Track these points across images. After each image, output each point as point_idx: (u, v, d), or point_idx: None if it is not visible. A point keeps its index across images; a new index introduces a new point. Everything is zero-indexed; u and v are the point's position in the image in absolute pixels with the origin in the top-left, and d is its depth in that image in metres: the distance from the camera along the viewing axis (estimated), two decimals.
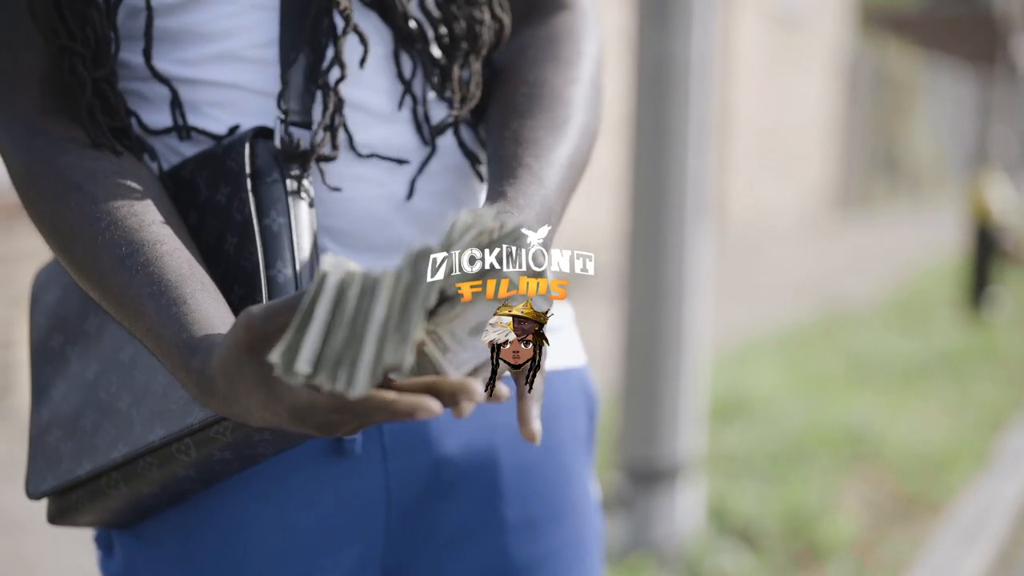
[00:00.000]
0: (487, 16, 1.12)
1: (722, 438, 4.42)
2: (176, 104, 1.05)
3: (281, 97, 1.04)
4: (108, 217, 0.97)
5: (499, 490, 1.17)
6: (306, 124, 1.04)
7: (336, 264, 0.80)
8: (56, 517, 1.10)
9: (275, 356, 0.80)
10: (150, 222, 0.98)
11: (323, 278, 0.79)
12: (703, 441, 3.76)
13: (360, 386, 0.79)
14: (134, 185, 1.00)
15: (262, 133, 1.04)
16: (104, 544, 1.15)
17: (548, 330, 0.89)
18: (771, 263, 10.60)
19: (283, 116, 1.03)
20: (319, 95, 1.06)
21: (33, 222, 1.03)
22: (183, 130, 1.06)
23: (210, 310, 0.93)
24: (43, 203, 1.00)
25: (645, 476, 3.39)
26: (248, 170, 1.02)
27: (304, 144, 1.03)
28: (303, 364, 0.79)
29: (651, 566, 3.34)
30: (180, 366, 0.91)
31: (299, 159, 1.03)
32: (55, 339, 1.11)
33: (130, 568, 1.11)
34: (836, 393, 5.30)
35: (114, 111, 1.04)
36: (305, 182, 1.04)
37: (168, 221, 0.99)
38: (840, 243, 12.41)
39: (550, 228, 1.00)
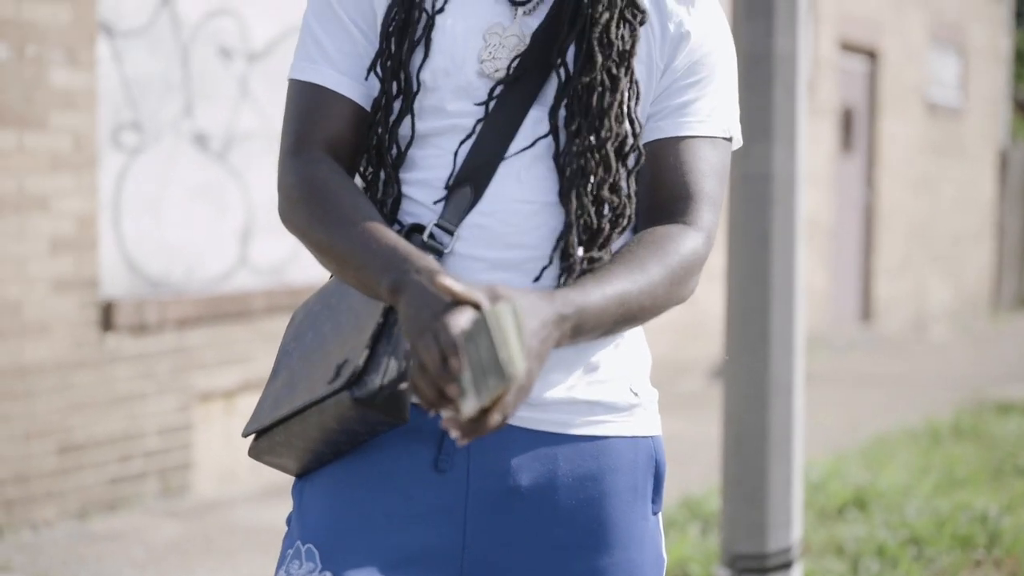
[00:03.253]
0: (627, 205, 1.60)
1: (845, 530, 4.52)
2: (395, 204, 1.61)
3: (441, 215, 1.57)
4: (346, 206, 1.54)
5: (555, 515, 1.60)
6: (450, 231, 1.57)
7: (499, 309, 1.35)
8: (255, 453, 1.67)
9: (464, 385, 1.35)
10: (367, 212, 1.54)
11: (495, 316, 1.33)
12: (806, 535, 3.87)
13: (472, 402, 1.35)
14: (362, 197, 1.58)
15: (418, 228, 1.57)
16: (295, 492, 1.66)
17: (626, 407, 1.63)
18: (919, 359, 10.54)
19: (436, 223, 1.56)
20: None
21: (299, 214, 1.59)
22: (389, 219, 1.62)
23: (400, 248, 1.49)
24: (309, 195, 1.57)
25: (750, 570, 3.53)
26: None
27: (443, 245, 1.56)
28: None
29: None
30: (380, 281, 1.47)
31: (434, 251, 1.55)
32: (290, 344, 1.67)
33: (301, 502, 1.63)
34: (971, 489, 5.33)
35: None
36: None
37: (373, 214, 1.55)
38: (992, 342, 12.21)
39: (563, 320, 1.46)
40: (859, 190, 11.31)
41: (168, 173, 5.19)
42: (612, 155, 1.58)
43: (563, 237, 1.57)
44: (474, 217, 1.57)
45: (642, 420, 1.67)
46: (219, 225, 5.43)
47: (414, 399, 1.51)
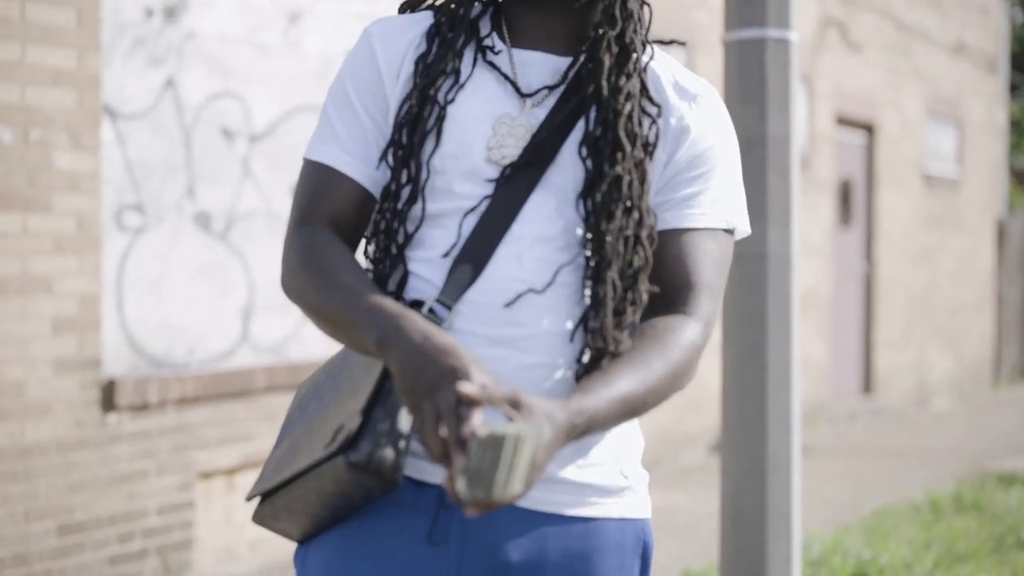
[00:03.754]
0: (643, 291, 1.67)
1: None
2: (402, 281, 1.68)
3: (441, 291, 1.63)
4: (340, 271, 1.62)
5: None
6: (448, 306, 1.62)
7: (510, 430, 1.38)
8: (259, 518, 1.72)
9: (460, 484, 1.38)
10: (360, 277, 1.62)
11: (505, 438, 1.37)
12: None
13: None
14: (356, 263, 1.65)
15: (418, 303, 1.63)
16: (298, 560, 1.71)
17: (616, 490, 1.68)
18: (921, 431, 10.52)
19: (436, 299, 1.62)
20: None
21: (296, 280, 1.66)
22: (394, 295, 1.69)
23: (388, 305, 1.55)
24: (303, 253, 1.66)
25: None
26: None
27: (441, 320, 1.62)
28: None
29: None
30: (368, 337, 1.53)
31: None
32: (294, 413, 1.75)
33: (304, 571, 1.69)
34: (973, 564, 5.32)
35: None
36: None
37: (366, 279, 1.63)
38: (993, 413, 12.20)
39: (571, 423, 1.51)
40: (858, 262, 11.36)
41: (170, 253, 5.24)
42: (645, 242, 1.66)
43: (586, 319, 1.64)
44: (472, 294, 1.63)
45: (631, 502, 1.72)
46: (221, 304, 5.47)
47: (422, 457, 1.61)
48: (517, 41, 1.71)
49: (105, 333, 4.94)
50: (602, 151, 1.65)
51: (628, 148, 1.65)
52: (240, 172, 5.54)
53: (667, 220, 1.70)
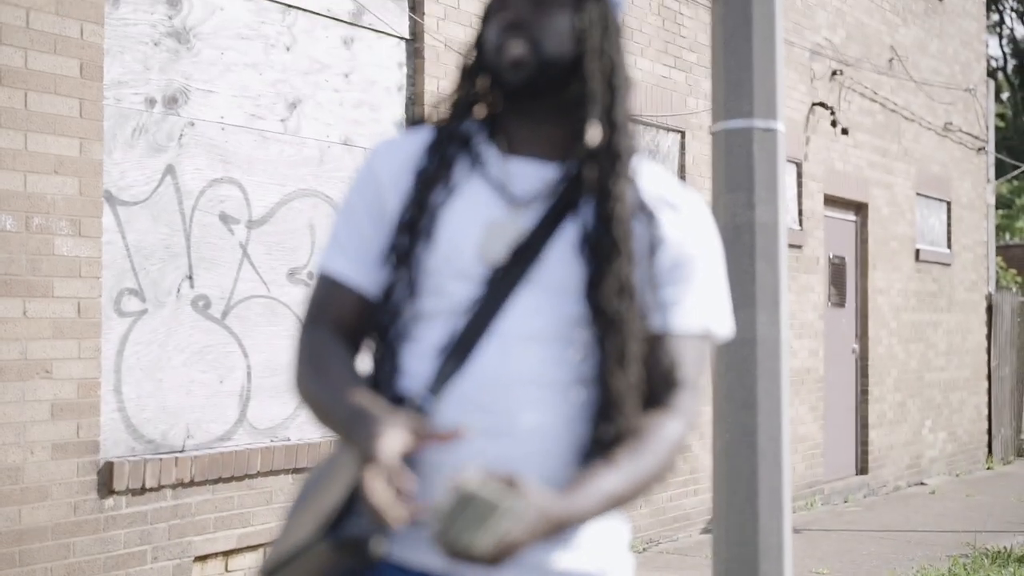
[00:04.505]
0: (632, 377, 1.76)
1: None
2: (392, 369, 1.79)
3: (429, 384, 1.74)
4: (331, 368, 1.77)
5: None
6: (434, 398, 1.73)
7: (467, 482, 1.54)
8: None
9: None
10: (350, 376, 1.76)
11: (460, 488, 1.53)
12: None
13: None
14: (351, 361, 1.80)
15: (403, 398, 1.75)
16: None
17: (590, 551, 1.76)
18: (915, 509, 10.52)
19: (424, 391, 1.72)
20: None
21: (298, 377, 1.82)
22: (380, 386, 1.80)
23: (364, 400, 1.70)
24: (304, 353, 1.81)
25: None
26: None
27: (427, 411, 1.71)
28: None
29: None
30: (351, 433, 1.66)
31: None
32: (295, 500, 1.82)
33: None
34: None
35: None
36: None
37: (352, 376, 1.77)
38: (988, 490, 12.19)
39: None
40: (850, 340, 11.43)
41: (169, 337, 5.30)
42: (643, 333, 1.78)
43: (592, 410, 1.75)
44: (459, 387, 1.73)
45: (599, 558, 1.79)
46: (218, 387, 5.51)
47: (407, 541, 1.70)
48: (512, 149, 1.83)
49: (103, 417, 4.98)
50: (598, 253, 1.76)
51: (624, 247, 1.76)
52: (239, 257, 5.62)
53: (657, 318, 1.80)
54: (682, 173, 8.79)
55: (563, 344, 1.76)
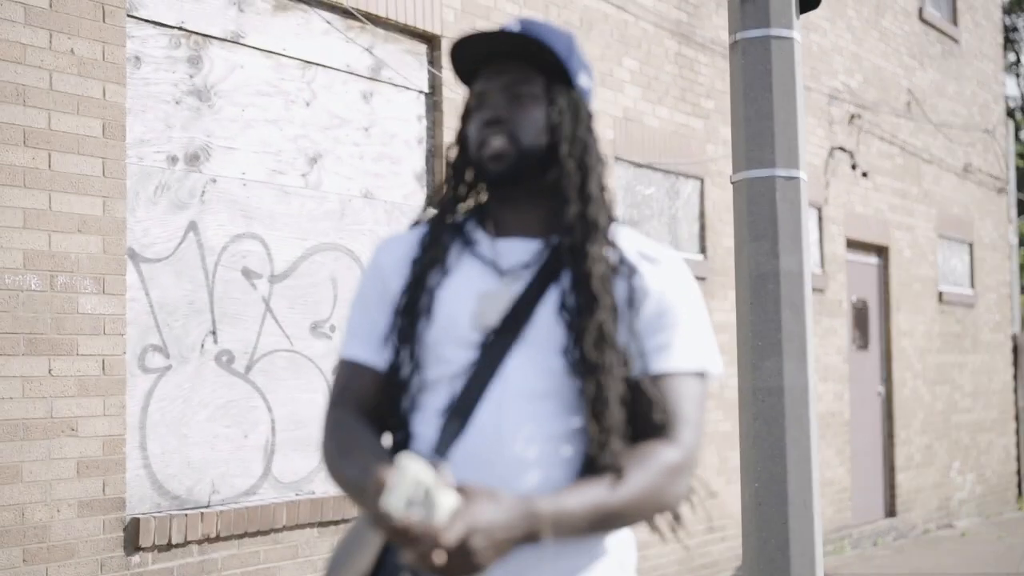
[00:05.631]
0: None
1: None
2: (406, 436, 1.95)
3: (435, 446, 1.89)
4: (351, 445, 1.92)
5: None
6: (442, 458, 1.86)
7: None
8: None
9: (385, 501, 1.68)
10: (371, 449, 1.91)
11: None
12: None
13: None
14: (372, 435, 1.95)
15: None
16: None
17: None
18: (945, 552, 10.41)
19: (431, 454, 1.86)
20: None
21: (326, 459, 1.96)
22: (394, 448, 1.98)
23: (372, 467, 1.84)
24: (329, 435, 1.96)
25: None
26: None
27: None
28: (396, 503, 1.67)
29: None
30: (365, 503, 1.79)
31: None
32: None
33: None
34: None
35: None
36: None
37: (370, 450, 1.91)
38: (1018, 531, 12.07)
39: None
40: (875, 383, 11.36)
41: (193, 392, 5.30)
42: (624, 377, 1.90)
43: (578, 458, 1.87)
44: (461, 446, 1.87)
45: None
46: (243, 441, 5.51)
47: None
48: (500, 231, 2.02)
49: (129, 473, 4.98)
50: (578, 308, 1.90)
51: (602, 301, 1.89)
52: (261, 311, 5.63)
53: (645, 366, 1.92)
54: (702, 220, 8.79)
55: (556, 399, 1.89)
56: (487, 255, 1.99)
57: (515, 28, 1.99)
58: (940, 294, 12.57)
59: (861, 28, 11.27)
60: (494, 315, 1.93)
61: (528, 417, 1.87)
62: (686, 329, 1.95)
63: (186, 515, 5.11)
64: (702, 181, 8.75)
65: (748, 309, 3.61)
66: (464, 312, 1.94)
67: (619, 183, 7.99)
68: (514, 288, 1.95)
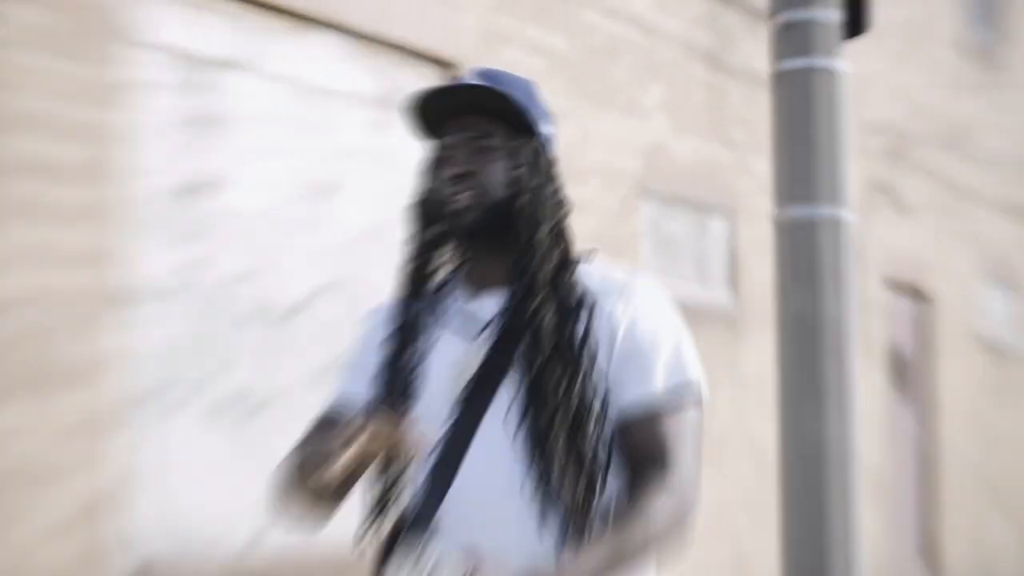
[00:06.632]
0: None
1: None
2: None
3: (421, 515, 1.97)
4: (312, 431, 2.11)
5: None
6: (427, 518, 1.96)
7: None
8: None
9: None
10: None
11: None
12: None
13: None
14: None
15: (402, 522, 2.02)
16: None
17: None
18: None
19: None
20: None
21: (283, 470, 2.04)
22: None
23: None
24: (286, 474, 2.05)
25: None
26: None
27: (427, 534, 1.95)
28: None
29: None
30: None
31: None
32: None
33: None
34: None
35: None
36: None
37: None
38: None
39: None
40: (914, 433, 11.00)
41: (200, 435, 5.06)
42: (592, 421, 1.94)
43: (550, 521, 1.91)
44: (444, 507, 1.95)
45: None
46: (252, 486, 5.24)
47: None
48: (477, 287, 2.06)
49: (136, 522, 4.72)
50: (531, 357, 1.94)
51: (542, 347, 1.93)
52: (271, 349, 5.38)
53: (627, 405, 1.93)
54: (734, 258, 8.48)
55: (528, 457, 1.92)
56: (457, 322, 2.04)
57: (474, 80, 2.03)
58: (981, 338, 12.22)
59: (900, 56, 10.94)
60: (464, 383, 1.99)
61: (501, 479, 1.92)
62: (665, 358, 1.96)
63: (194, 565, 4.89)
64: (734, 217, 8.45)
65: (790, 354, 3.34)
66: (444, 386, 2.01)
67: (644, 217, 7.70)
68: (482, 352, 2.00)
